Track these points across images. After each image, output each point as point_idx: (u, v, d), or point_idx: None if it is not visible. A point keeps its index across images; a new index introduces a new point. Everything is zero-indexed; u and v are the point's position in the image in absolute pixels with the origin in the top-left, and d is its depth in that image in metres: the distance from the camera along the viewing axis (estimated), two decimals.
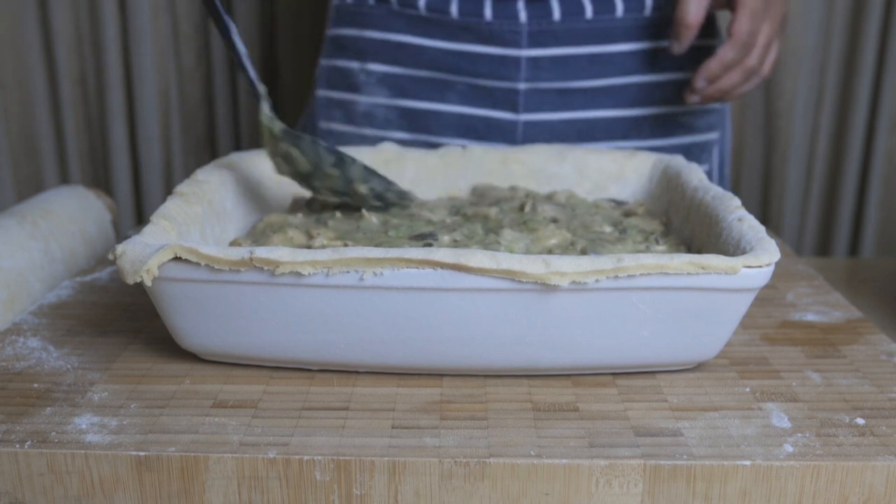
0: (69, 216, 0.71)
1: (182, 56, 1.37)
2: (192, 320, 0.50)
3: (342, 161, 0.64)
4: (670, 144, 0.87)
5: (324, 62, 0.91)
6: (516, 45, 0.82)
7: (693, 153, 0.89)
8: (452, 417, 0.47)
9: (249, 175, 0.68)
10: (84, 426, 0.46)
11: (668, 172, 0.69)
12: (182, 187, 0.59)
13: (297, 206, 0.70)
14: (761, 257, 0.48)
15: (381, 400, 0.49)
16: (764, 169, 1.40)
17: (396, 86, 0.87)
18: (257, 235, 0.61)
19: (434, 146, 0.86)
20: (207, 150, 1.43)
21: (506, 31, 0.82)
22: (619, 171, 0.72)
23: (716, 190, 0.60)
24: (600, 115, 0.85)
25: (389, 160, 0.73)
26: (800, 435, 0.45)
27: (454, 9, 0.82)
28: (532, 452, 0.44)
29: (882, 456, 0.44)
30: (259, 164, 0.70)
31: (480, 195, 0.70)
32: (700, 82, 0.78)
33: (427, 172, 0.73)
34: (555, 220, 0.62)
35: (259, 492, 0.44)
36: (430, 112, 0.87)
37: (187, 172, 1.35)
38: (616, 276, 0.46)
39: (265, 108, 0.62)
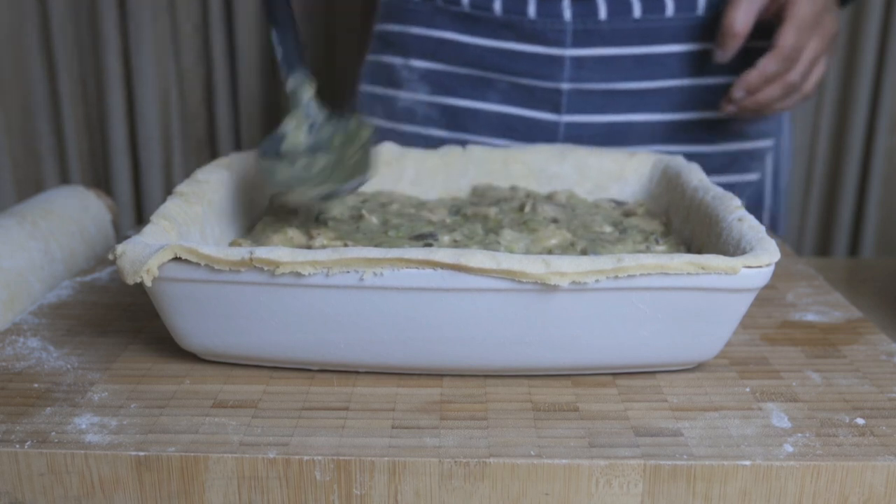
0: (69, 216, 0.71)
1: (182, 56, 1.37)
2: (192, 320, 0.50)
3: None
4: (718, 150, 0.85)
5: (370, 57, 0.91)
6: (560, 44, 0.81)
7: (742, 161, 0.87)
8: (452, 417, 0.47)
9: (250, 175, 0.68)
10: (84, 426, 0.46)
11: (668, 172, 0.69)
12: (182, 187, 0.59)
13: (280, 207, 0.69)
14: (761, 257, 0.48)
15: (381, 400, 0.49)
16: None
17: (438, 83, 0.86)
18: (257, 235, 0.61)
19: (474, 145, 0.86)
20: (207, 150, 1.43)
21: (549, 30, 0.81)
22: (619, 171, 0.72)
23: (716, 190, 0.60)
24: (646, 119, 0.84)
25: (390, 160, 0.73)
26: (800, 435, 0.45)
27: (497, 6, 0.81)
28: (532, 452, 0.44)
29: (882, 456, 0.44)
30: None
31: (480, 195, 0.70)
32: (738, 92, 0.76)
33: (427, 172, 0.73)
34: (555, 220, 0.62)
35: (259, 492, 0.44)
36: (470, 110, 0.86)
37: (187, 172, 1.35)
38: (616, 276, 0.46)
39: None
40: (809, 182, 1.38)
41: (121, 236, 0.79)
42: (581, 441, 0.45)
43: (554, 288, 0.46)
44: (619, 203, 0.70)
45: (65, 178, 1.41)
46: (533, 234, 0.59)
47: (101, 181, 1.43)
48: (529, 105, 0.84)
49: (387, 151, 0.73)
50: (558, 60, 0.81)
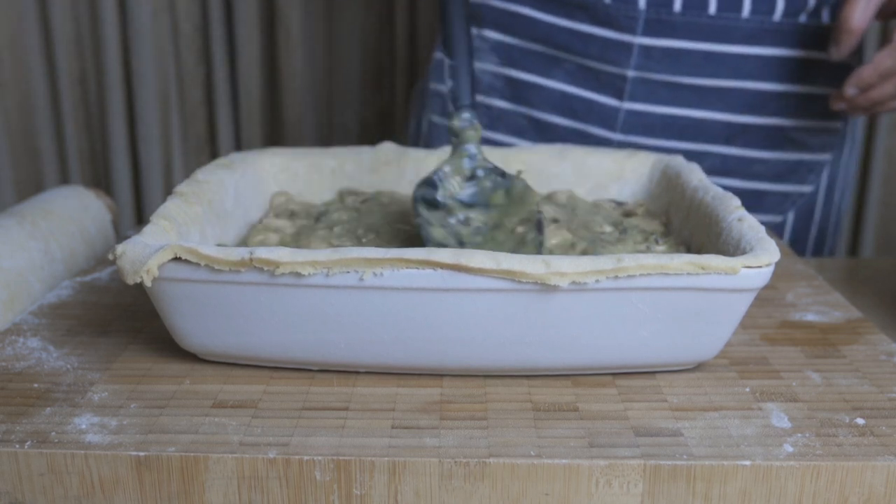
0: (69, 216, 0.71)
1: (182, 56, 1.37)
2: (192, 320, 0.50)
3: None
4: (776, 158, 0.84)
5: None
6: (631, 30, 0.81)
7: (799, 172, 0.86)
8: (452, 417, 0.47)
9: (249, 175, 0.68)
10: (84, 426, 0.46)
11: (667, 172, 0.69)
12: (182, 187, 0.59)
13: (279, 209, 0.69)
14: (761, 257, 0.48)
15: (381, 400, 0.49)
16: None
17: (507, 55, 0.87)
18: (252, 237, 0.61)
19: (533, 120, 0.86)
20: (207, 150, 1.43)
21: (622, 16, 0.80)
22: (619, 171, 0.72)
23: (716, 190, 0.60)
24: (707, 116, 0.83)
25: (390, 160, 0.73)
26: (800, 435, 0.45)
27: None
28: (532, 452, 0.44)
29: (882, 456, 0.44)
30: (259, 164, 0.70)
31: None
32: (850, 90, 0.74)
33: (428, 172, 0.73)
34: (555, 220, 0.62)
35: (259, 492, 0.44)
36: (534, 85, 0.86)
37: (187, 172, 1.35)
38: (616, 277, 0.46)
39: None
40: None
41: (121, 236, 0.79)
42: (581, 441, 0.45)
43: (554, 288, 0.46)
44: (618, 203, 0.70)
45: (65, 178, 1.41)
46: None
47: (101, 181, 1.43)
48: (593, 88, 0.84)
49: (387, 151, 0.73)
50: (627, 47, 0.81)
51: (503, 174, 0.60)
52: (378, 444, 0.44)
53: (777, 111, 0.83)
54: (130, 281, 0.48)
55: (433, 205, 0.58)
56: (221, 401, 0.49)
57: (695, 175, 0.64)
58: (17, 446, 0.44)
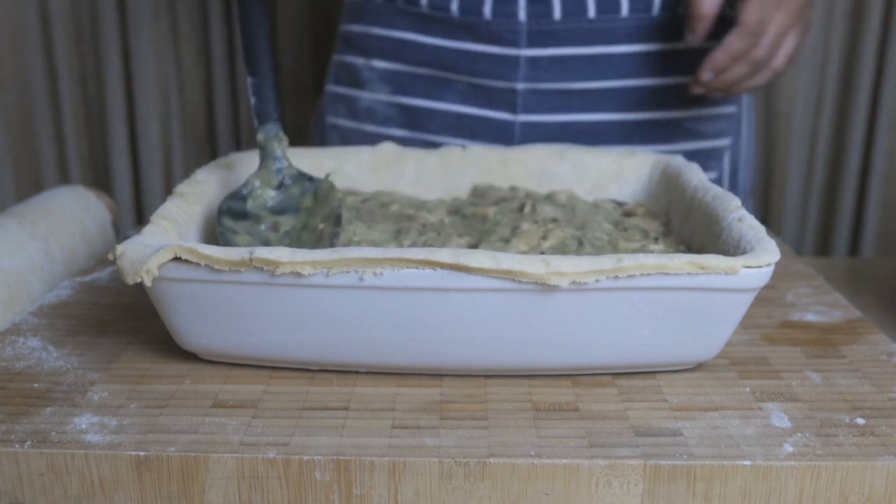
0: (69, 216, 0.71)
1: (182, 56, 1.37)
2: (192, 320, 0.50)
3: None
4: (674, 150, 0.86)
5: (335, 58, 0.92)
6: (515, 44, 0.82)
7: (698, 160, 0.86)
8: (452, 417, 0.47)
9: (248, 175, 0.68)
10: (84, 426, 0.46)
11: (667, 172, 0.69)
12: (182, 187, 0.59)
13: None
14: (761, 257, 0.48)
15: (381, 400, 0.49)
16: (764, 169, 1.40)
17: (397, 83, 0.87)
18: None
19: (431, 145, 0.86)
20: (207, 150, 1.43)
21: (504, 30, 0.81)
22: (619, 171, 0.72)
23: (716, 190, 0.60)
24: (601, 119, 0.84)
25: (389, 160, 0.73)
26: (800, 435, 0.45)
27: (454, 6, 0.82)
28: (532, 452, 0.44)
29: (882, 456, 0.44)
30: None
31: (480, 195, 0.70)
32: (706, 74, 0.75)
33: (427, 172, 0.73)
34: (555, 220, 0.62)
35: (259, 492, 0.44)
36: (427, 110, 0.86)
37: (187, 173, 1.35)
38: (616, 277, 0.46)
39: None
40: (809, 182, 1.38)
41: (121, 236, 0.79)
42: (581, 441, 0.45)
43: (554, 288, 0.46)
44: (619, 203, 0.70)
45: (65, 179, 1.41)
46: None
47: (101, 181, 1.43)
48: (486, 105, 0.84)
49: (387, 151, 0.73)
50: (514, 60, 0.82)
51: (311, 178, 0.62)
52: (378, 444, 0.44)
53: (668, 104, 0.84)
54: (130, 281, 0.48)
55: (242, 216, 0.60)
56: (221, 401, 0.49)
57: (695, 175, 0.64)
58: (17, 446, 0.44)
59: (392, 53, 0.86)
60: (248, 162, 0.69)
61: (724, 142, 0.89)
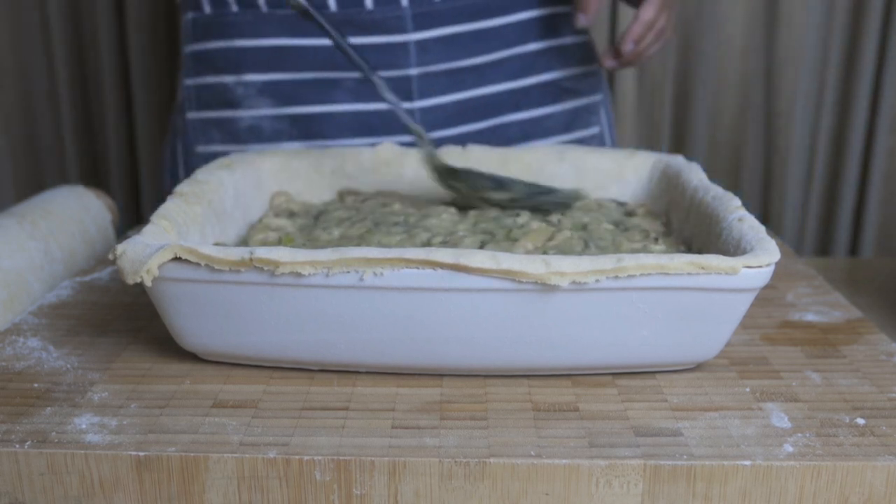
0: (69, 216, 0.71)
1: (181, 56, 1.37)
2: (192, 320, 0.50)
3: (502, 184, 0.65)
4: (561, 110, 0.88)
5: (189, 81, 0.85)
6: (402, 30, 0.80)
7: (582, 117, 0.89)
8: (452, 417, 0.47)
9: (249, 175, 0.68)
10: (84, 426, 0.46)
11: (667, 172, 0.69)
12: (182, 187, 0.59)
13: (279, 209, 0.69)
14: (761, 257, 0.48)
15: (381, 400, 0.49)
16: (764, 169, 1.40)
17: (281, 93, 0.82)
18: (251, 236, 0.61)
19: None
20: None
21: (389, 18, 0.79)
22: (619, 171, 0.72)
23: (716, 190, 0.60)
24: (491, 91, 0.85)
25: (390, 161, 0.73)
26: (800, 435, 0.45)
27: (332, 2, 0.79)
28: (532, 452, 0.44)
29: (882, 456, 0.44)
30: (259, 164, 0.70)
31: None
32: (629, 45, 0.77)
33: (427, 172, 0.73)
34: (560, 220, 0.62)
35: (259, 492, 0.44)
36: (320, 115, 0.82)
37: None
38: (616, 276, 0.46)
39: (429, 150, 0.66)
40: (809, 182, 1.38)
41: (121, 236, 0.79)
42: (581, 441, 0.45)
43: (554, 288, 0.46)
44: (620, 203, 0.70)
45: (65, 178, 1.41)
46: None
47: (100, 181, 1.43)
48: (381, 98, 0.78)
49: (387, 151, 0.73)
50: (402, 47, 0.80)
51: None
52: (378, 444, 0.44)
53: (547, 67, 0.86)
54: (130, 281, 0.48)
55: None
56: (221, 401, 0.49)
57: (695, 175, 0.64)
58: (17, 446, 0.44)
59: (267, 64, 0.81)
60: (248, 162, 0.69)
61: (597, 97, 0.92)
